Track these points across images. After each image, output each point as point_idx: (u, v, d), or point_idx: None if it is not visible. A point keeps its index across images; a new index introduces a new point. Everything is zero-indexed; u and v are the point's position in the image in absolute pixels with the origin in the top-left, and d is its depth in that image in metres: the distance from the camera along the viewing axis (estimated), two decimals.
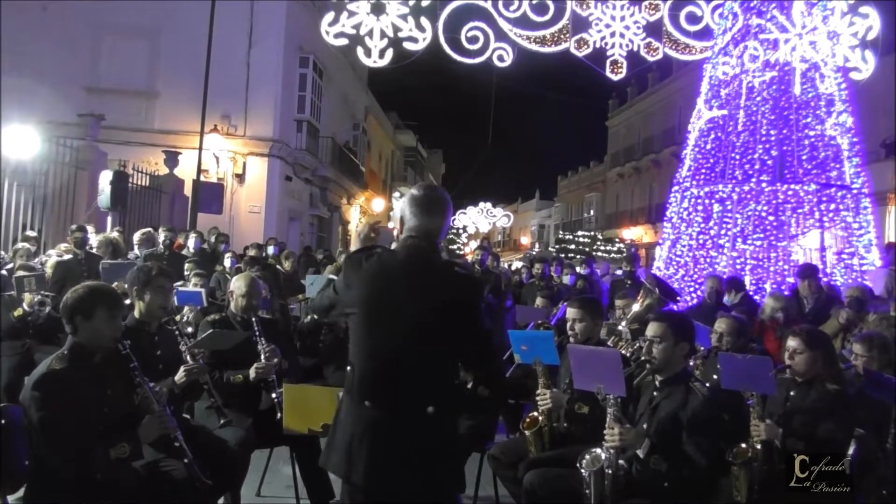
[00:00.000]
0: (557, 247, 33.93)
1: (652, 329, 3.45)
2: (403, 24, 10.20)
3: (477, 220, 45.70)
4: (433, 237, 2.61)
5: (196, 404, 4.21)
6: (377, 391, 2.50)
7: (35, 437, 2.94)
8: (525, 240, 50.06)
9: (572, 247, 31.65)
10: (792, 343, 3.51)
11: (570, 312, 4.22)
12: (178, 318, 5.84)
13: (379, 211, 25.67)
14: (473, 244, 21.28)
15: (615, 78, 10.97)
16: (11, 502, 3.03)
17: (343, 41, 10.52)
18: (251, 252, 9.63)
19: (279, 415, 3.94)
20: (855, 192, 9.41)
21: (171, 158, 14.15)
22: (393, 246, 2.67)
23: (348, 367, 2.58)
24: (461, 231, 44.58)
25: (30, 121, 9.47)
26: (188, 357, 3.64)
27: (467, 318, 2.58)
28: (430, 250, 2.60)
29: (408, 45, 10.26)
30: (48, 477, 2.93)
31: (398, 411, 2.50)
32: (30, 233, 8.81)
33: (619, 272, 11.15)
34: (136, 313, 3.67)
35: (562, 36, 10.58)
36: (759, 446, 3.24)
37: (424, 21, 10.20)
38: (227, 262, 8.97)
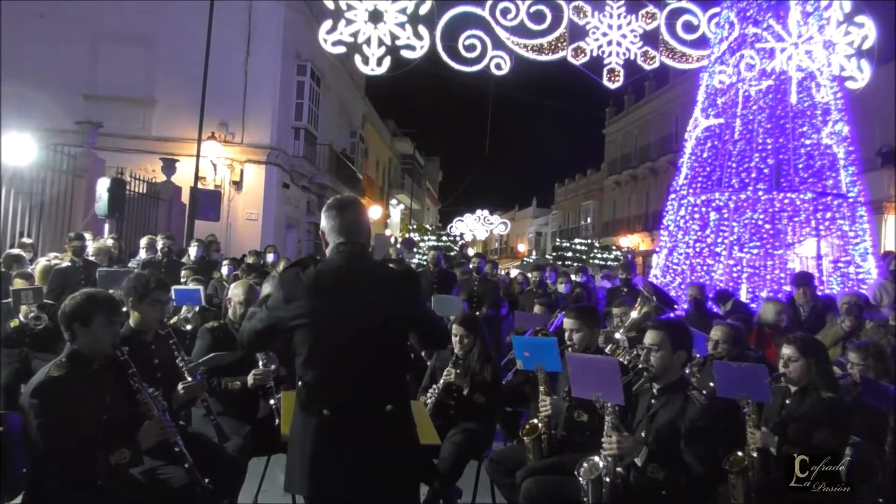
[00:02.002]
0: (554, 254, 33.94)
1: (650, 337, 3.46)
2: (401, 33, 10.24)
3: (474, 227, 45.71)
4: (359, 236, 2.67)
5: (193, 411, 4.21)
6: (335, 397, 2.52)
7: (34, 443, 2.94)
8: (522, 247, 50.05)
9: (569, 254, 31.65)
10: (786, 351, 3.52)
11: (567, 322, 4.23)
12: (175, 318, 5.87)
13: (376, 218, 25.66)
14: (471, 251, 21.25)
15: (612, 86, 11.02)
16: None
17: (341, 49, 10.56)
18: (249, 259, 9.64)
19: (277, 421, 3.93)
20: (851, 200, 9.44)
21: (169, 166, 14.16)
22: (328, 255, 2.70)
23: (299, 383, 2.58)
24: (458, 238, 44.62)
25: (27, 128, 9.47)
26: (186, 374, 3.65)
27: (410, 309, 2.67)
28: (363, 253, 2.69)
29: (405, 53, 10.30)
30: (47, 484, 2.93)
31: (359, 413, 2.52)
32: (26, 240, 8.80)
33: (616, 281, 11.18)
34: (132, 322, 3.67)
35: (559, 44, 10.63)
36: (755, 454, 3.26)
37: (422, 29, 10.24)
38: (225, 270, 8.97)
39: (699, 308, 7.26)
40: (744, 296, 8.65)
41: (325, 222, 2.69)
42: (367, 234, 2.76)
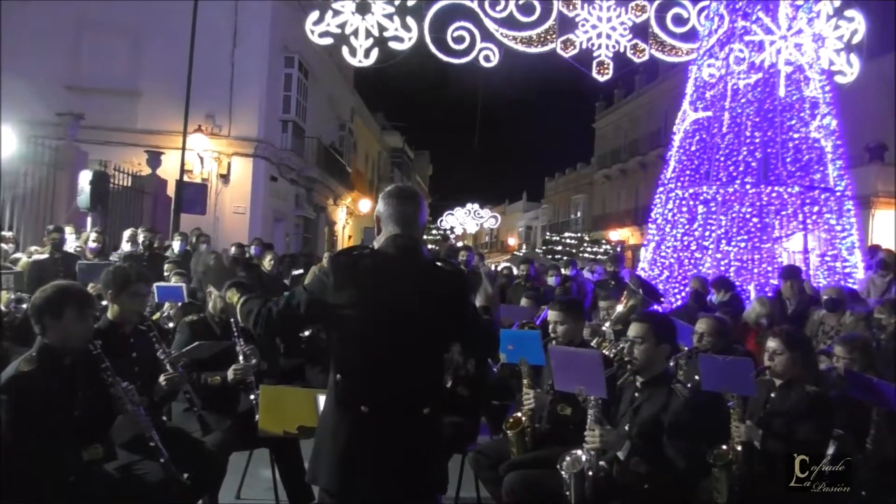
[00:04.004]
0: (544, 248, 33.98)
1: (633, 330, 3.43)
2: (389, 24, 10.16)
3: (464, 221, 45.71)
4: (415, 230, 2.60)
5: (173, 405, 4.16)
6: (374, 394, 2.46)
7: (4, 440, 2.87)
8: (512, 241, 50.10)
9: (559, 248, 31.70)
10: (772, 344, 3.50)
11: (552, 315, 4.20)
12: (157, 315, 5.79)
13: (365, 212, 25.57)
14: (460, 244, 21.24)
15: (601, 79, 10.97)
16: None
17: (328, 40, 10.46)
18: (235, 251, 9.55)
19: (257, 416, 3.88)
20: (838, 194, 9.47)
21: (154, 159, 14.00)
22: (376, 246, 2.62)
23: (337, 375, 2.50)
24: (449, 231, 44.59)
25: (7, 120, 9.31)
26: (167, 366, 3.59)
27: (459, 311, 2.61)
28: (417, 248, 2.59)
29: (393, 45, 10.22)
30: (19, 480, 2.86)
31: (397, 413, 2.47)
32: (6, 233, 8.68)
33: (599, 272, 11.17)
34: (111, 315, 3.60)
35: (548, 36, 10.57)
36: (739, 448, 3.23)
37: (410, 20, 10.15)
38: (212, 263, 8.86)
39: (699, 301, 7.23)
40: None
41: (382, 208, 2.59)
42: (422, 229, 2.70)
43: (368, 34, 10.17)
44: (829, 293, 6.46)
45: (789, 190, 9.20)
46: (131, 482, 3.15)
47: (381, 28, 10.16)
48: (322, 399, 2.77)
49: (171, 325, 5.55)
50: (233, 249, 9.63)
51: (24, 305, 5.44)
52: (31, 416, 2.82)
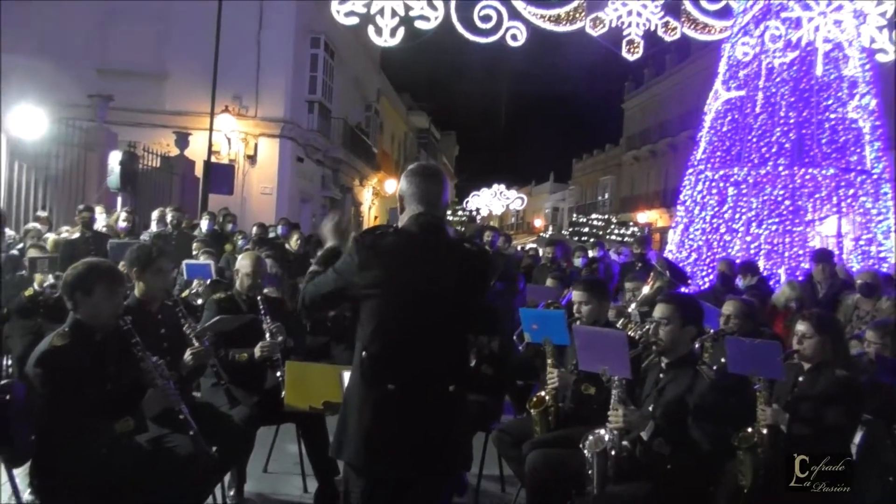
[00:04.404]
0: (571, 230, 33.77)
1: (659, 311, 3.39)
2: (415, 3, 10.09)
3: (490, 202, 45.55)
4: (438, 209, 2.60)
5: (202, 381, 4.23)
6: (401, 372, 2.48)
7: (40, 412, 2.96)
8: (539, 222, 49.83)
9: (586, 230, 31.48)
10: (801, 327, 3.43)
11: (576, 295, 4.17)
12: (186, 292, 5.88)
13: (391, 192, 25.62)
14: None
15: (631, 58, 10.80)
16: (18, 476, 3.05)
17: (354, 20, 10.43)
18: (256, 231, 9.64)
19: (284, 393, 3.93)
20: (875, 177, 9.23)
21: (182, 139, 14.16)
22: (400, 225, 2.63)
23: (363, 353, 2.52)
24: (475, 212, 44.49)
25: (39, 102, 9.47)
26: (193, 340, 3.64)
27: (479, 292, 2.62)
28: (441, 227, 2.60)
29: (419, 24, 10.16)
30: (53, 451, 2.95)
31: (424, 391, 2.49)
32: (41, 213, 8.87)
33: (626, 254, 11.07)
34: (138, 293, 3.66)
35: (577, 14, 10.42)
36: (764, 431, 3.19)
37: None
38: (241, 243, 8.98)
39: (726, 283, 7.15)
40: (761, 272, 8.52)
41: (406, 187, 2.60)
42: (445, 207, 2.70)
43: (394, 13, 10.13)
44: (863, 277, 6.33)
45: (824, 172, 9.00)
46: (161, 454, 3.22)
47: (407, 7, 10.11)
48: (346, 375, 2.80)
49: (199, 301, 5.64)
50: (254, 229, 9.73)
51: (57, 293, 5.57)
52: (64, 390, 2.89)
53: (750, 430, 3.17)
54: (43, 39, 13.69)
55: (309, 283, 2.69)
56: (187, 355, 3.59)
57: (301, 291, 2.70)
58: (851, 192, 9.04)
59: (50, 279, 5.55)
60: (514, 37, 10.25)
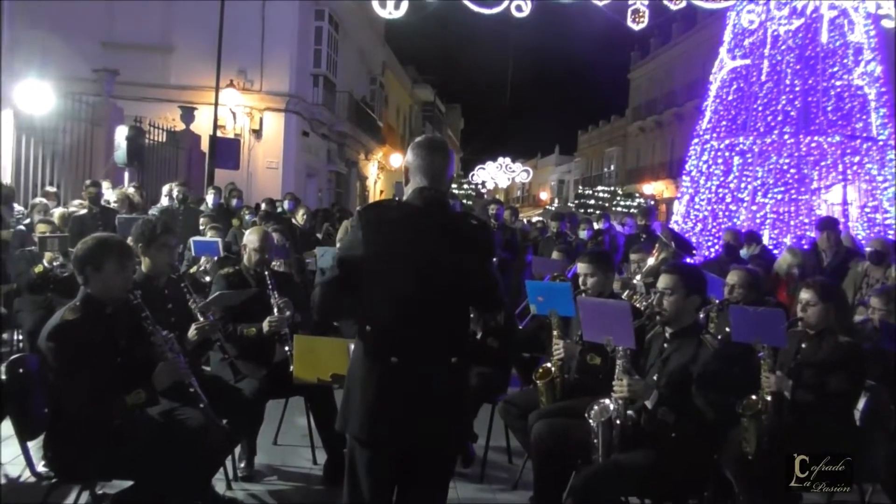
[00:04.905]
0: (577, 202, 33.65)
1: (663, 281, 3.40)
2: None
3: (496, 175, 45.34)
4: (442, 183, 2.61)
5: (211, 355, 4.28)
6: (403, 345, 2.50)
7: (53, 385, 3.01)
8: (544, 195, 49.65)
9: (591, 202, 31.37)
10: (805, 295, 3.45)
11: (581, 267, 4.18)
12: (194, 268, 5.91)
13: (397, 166, 25.56)
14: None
15: (637, 27, 10.67)
16: (31, 448, 3.11)
17: None
18: (264, 206, 9.67)
19: (291, 367, 3.98)
20: (881, 144, 9.17)
21: (188, 114, 14.12)
22: (404, 198, 2.64)
23: (366, 327, 2.54)
24: (480, 186, 44.32)
25: (44, 76, 9.45)
26: (199, 315, 3.68)
27: (481, 265, 2.62)
28: (444, 202, 2.61)
29: None
30: (66, 424, 3.00)
31: (426, 363, 2.51)
32: (49, 188, 8.90)
33: (630, 225, 11.03)
34: (144, 268, 3.70)
35: None
36: (768, 398, 3.22)
37: None
38: (248, 218, 9.00)
39: (731, 253, 7.14)
40: (766, 242, 8.51)
41: (412, 159, 2.60)
42: (450, 181, 2.70)
43: None
44: (873, 245, 6.30)
45: (829, 139, 8.94)
46: (173, 426, 3.27)
47: None
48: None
49: (207, 278, 5.68)
50: (263, 205, 9.75)
51: (66, 272, 5.61)
52: (76, 363, 2.93)
53: (754, 397, 3.20)
54: (48, 13, 13.59)
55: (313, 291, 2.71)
56: (192, 330, 3.62)
57: (311, 298, 2.69)
58: (857, 159, 9.00)
59: (60, 258, 5.60)
60: (518, 7, 10.13)
